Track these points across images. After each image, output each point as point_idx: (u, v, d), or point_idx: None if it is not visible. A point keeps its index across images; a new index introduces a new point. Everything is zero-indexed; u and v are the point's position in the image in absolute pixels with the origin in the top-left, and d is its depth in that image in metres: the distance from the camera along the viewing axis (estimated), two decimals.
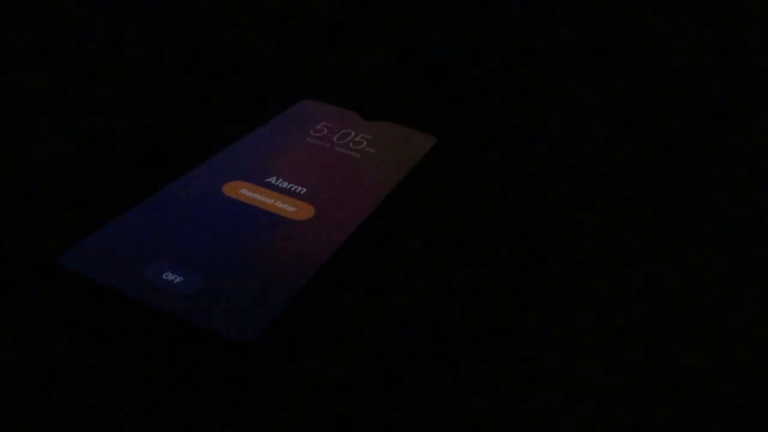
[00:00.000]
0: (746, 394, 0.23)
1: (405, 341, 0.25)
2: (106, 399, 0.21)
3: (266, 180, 0.32)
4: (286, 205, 0.30)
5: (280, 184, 0.31)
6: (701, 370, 0.24)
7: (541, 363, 0.24)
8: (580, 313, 0.26)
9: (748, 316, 0.27)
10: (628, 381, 0.24)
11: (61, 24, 0.49)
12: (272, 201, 0.30)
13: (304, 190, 0.31)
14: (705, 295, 0.28)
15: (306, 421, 0.21)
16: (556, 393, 0.23)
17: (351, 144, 0.36)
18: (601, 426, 0.22)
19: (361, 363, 0.24)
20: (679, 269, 0.29)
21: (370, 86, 0.44)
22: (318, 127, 0.37)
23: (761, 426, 0.22)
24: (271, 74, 0.44)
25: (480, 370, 0.24)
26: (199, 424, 0.21)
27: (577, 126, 0.41)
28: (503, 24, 0.55)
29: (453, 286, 0.27)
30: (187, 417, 0.21)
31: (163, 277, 0.25)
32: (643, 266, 0.29)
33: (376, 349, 0.24)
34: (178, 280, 0.25)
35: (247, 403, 0.22)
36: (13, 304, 0.25)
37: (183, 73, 0.43)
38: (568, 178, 0.35)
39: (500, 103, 0.43)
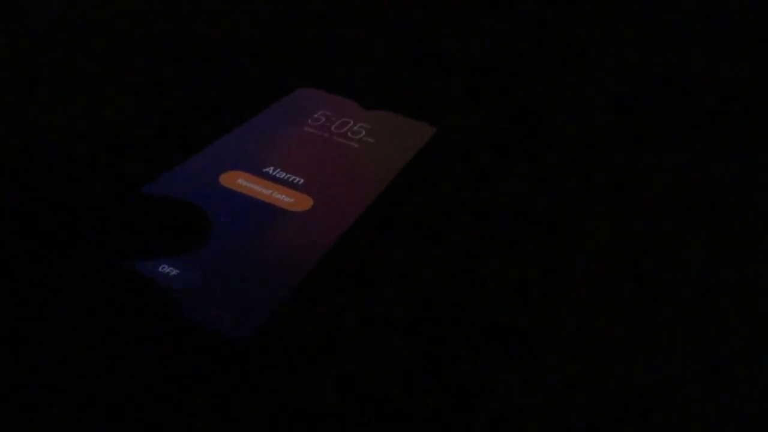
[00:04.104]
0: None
1: (406, 336, 0.24)
2: (99, 395, 0.21)
3: (264, 170, 0.31)
4: (283, 196, 0.30)
5: (277, 175, 0.31)
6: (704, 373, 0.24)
7: (548, 356, 0.24)
8: (588, 302, 0.26)
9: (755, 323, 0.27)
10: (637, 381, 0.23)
11: (58, 13, 0.48)
12: (270, 192, 0.30)
13: (302, 180, 0.31)
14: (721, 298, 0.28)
15: (306, 419, 0.21)
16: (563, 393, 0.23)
17: (349, 133, 0.35)
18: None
19: (361, 358, 0.23)
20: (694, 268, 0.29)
21: (369, 74, 0.43)
22: (316, 115, 0.36)
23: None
24: (269, 61, 0.44)
25: (483, 366, 0.23)
26: (196, 421, 0.21)
27: (579, 115, 0.40)
28: (505, 13, 0.55)
29: (454, 278, 0.27)
30: (183, 414, 0.21)
31: (159, 269, 0.25)
32: (651, 256, 0.29)
33: (375, 344, 0.24)
34: (174, 272, 0.25)
35: (246, 399, 0.21)
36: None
37: (178, 61, 0.43)
38: (570, 167, 0.35)
39: (500, 93, 0.42)
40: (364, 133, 0.35)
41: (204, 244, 0.26)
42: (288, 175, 0.31)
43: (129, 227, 0.27)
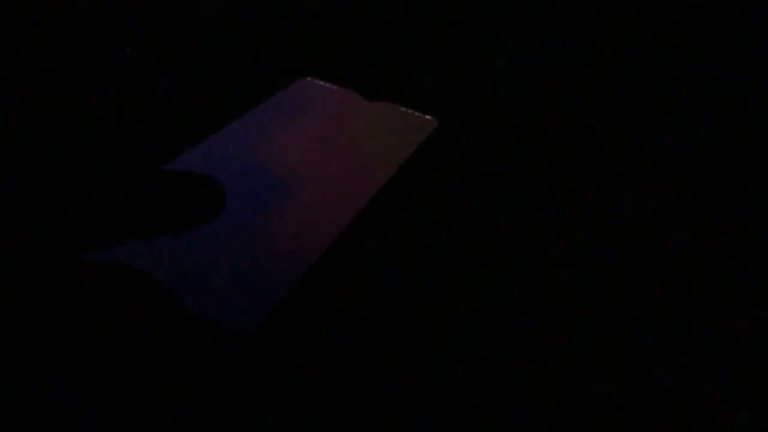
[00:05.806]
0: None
1: (409, 327, 0.24)
2: (102, 388, 0.21)
3: (265, 163, 0.31)
4: (286, 190, 0.29)
5: (279, 167, 0.31)
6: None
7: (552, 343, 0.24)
8: (590, 302, 0.26)
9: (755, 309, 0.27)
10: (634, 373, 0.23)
11: (58, 10, 0.47)
12: (271, 186, 0.30)
13: (304, 173, 0.31)
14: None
15: (310, 413, 0.21)
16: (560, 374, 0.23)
17: (352, 125, 0.35)
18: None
19: (365, 350, 0.23)
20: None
21: (372, 66, 0.43)
22: (318, 106, 0.36)
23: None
24: (271, 52, 0.43)
25: (484, 365, 0.23)
26: (199, 414, 0.21)
27: (580, 108, 0.40)
28: (508, 7, 0.54)
29: (457, 268, 0.27)
30: (187, 405, 0.21)
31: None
32: (648, 239, 0.29)
33: (379, 335, 0.24)
34: (177, 263, 0.25)
35: (248, 392, 0.21)
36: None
37: (179, 53, 0.42)
38: (572, 159, 0.35)
39: (502, 87, 0.42)
40: (366, 125, 0.35)
41: (209, 238, 0.26)
42: (289, 168, 0.31)
43: (127, 215, 0.27)
